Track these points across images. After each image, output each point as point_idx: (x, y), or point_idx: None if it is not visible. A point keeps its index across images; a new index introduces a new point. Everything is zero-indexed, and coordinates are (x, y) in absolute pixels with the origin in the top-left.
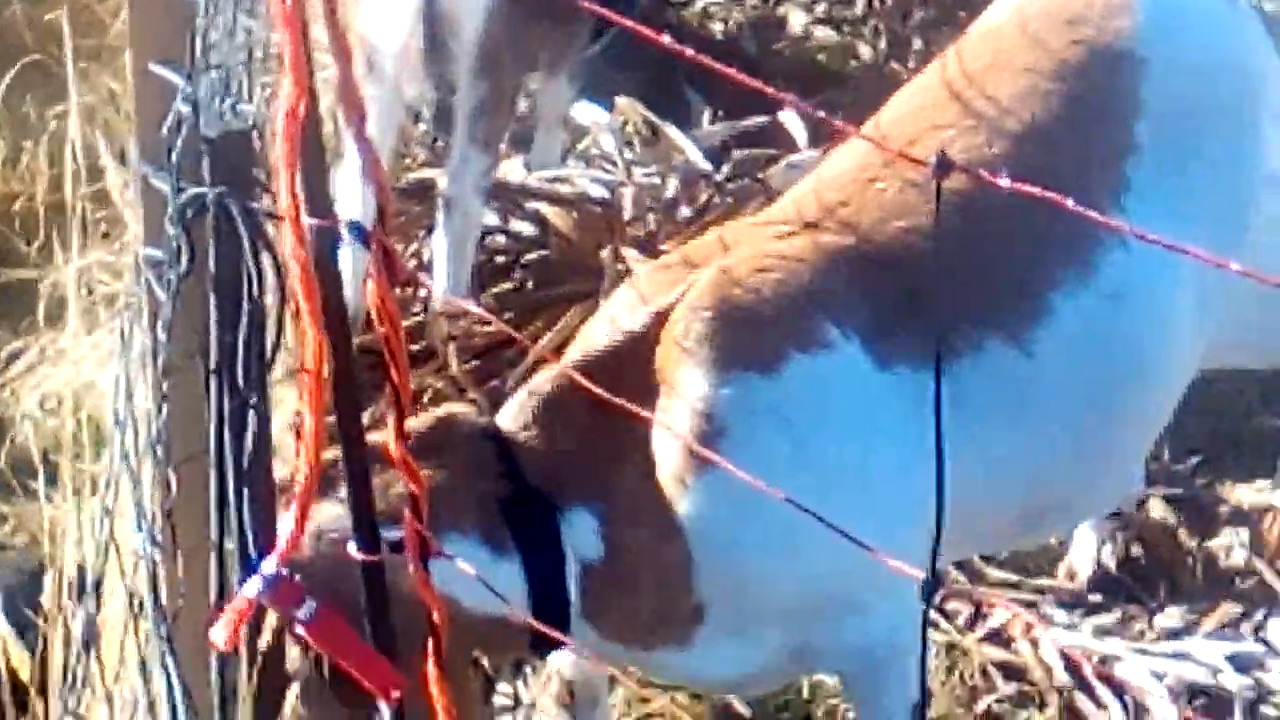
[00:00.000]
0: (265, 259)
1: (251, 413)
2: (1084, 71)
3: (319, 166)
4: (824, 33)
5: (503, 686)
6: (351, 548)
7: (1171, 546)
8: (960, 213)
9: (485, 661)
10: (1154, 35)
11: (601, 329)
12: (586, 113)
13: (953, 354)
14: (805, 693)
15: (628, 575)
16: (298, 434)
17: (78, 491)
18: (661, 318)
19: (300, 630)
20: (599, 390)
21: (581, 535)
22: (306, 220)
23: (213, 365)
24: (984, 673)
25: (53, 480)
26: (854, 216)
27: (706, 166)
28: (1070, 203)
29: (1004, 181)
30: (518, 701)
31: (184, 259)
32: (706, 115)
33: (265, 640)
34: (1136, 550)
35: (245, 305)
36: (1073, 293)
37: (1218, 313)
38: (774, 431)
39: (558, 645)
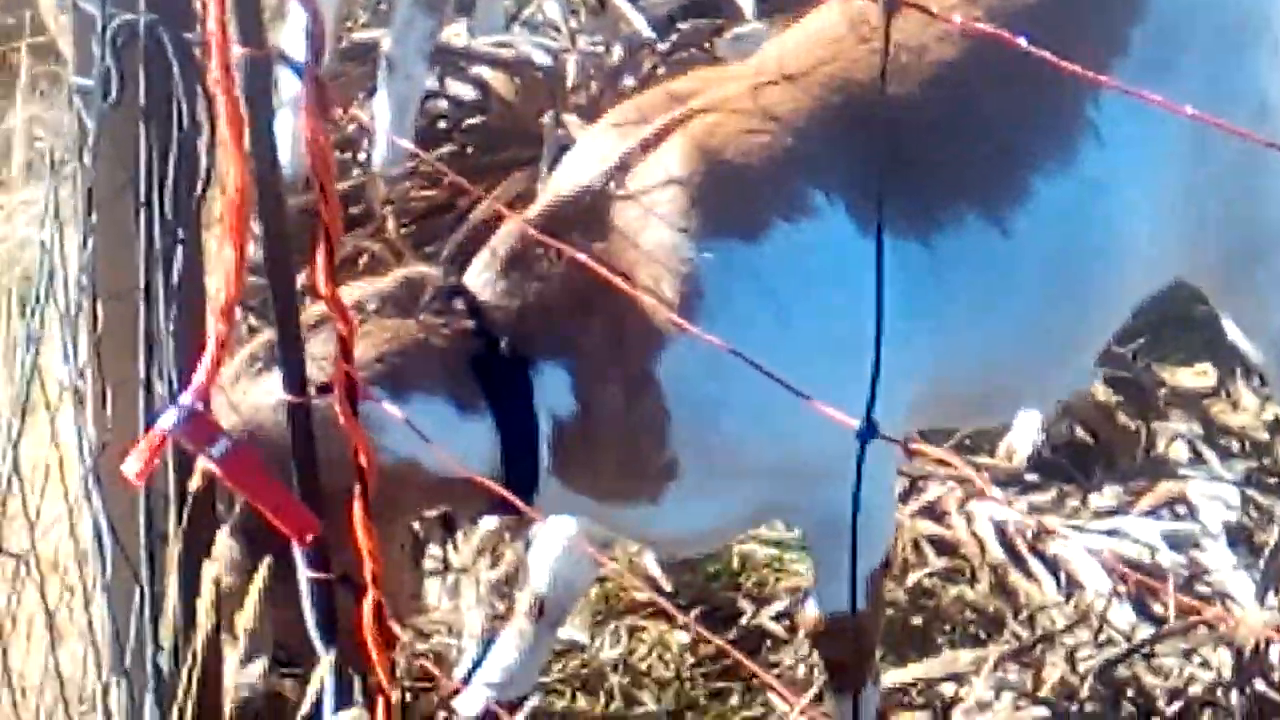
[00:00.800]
0: (197, 90)
1: (180, 248)
2: None
3: None
4: None
5: (433, 550)
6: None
7: (1111, 428)
8: (951, 88)
9: (415, 525)
10: None
11: (564, 182)
12: None
13: (935, 226)
14: (735, 563)
15: (600, 431)
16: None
17: (9, 351)
18: (624, 170)
19: (213, 467)
20: (566, 245)
21: (553, 391)
22: (236, 50)
23: (142, 198)
24: (916, 546)
25: None
26: (842, 76)
27: (652, 36)
28: (1023, 41)
29: (956, 18)
30: (447, 565)
31: (113, 88)
32: None
33: (196, 481)
34: (1077, 432)
35: (175, 137)
36: (1052, 178)
37: (1184, 239)
38: (755, 297)
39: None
